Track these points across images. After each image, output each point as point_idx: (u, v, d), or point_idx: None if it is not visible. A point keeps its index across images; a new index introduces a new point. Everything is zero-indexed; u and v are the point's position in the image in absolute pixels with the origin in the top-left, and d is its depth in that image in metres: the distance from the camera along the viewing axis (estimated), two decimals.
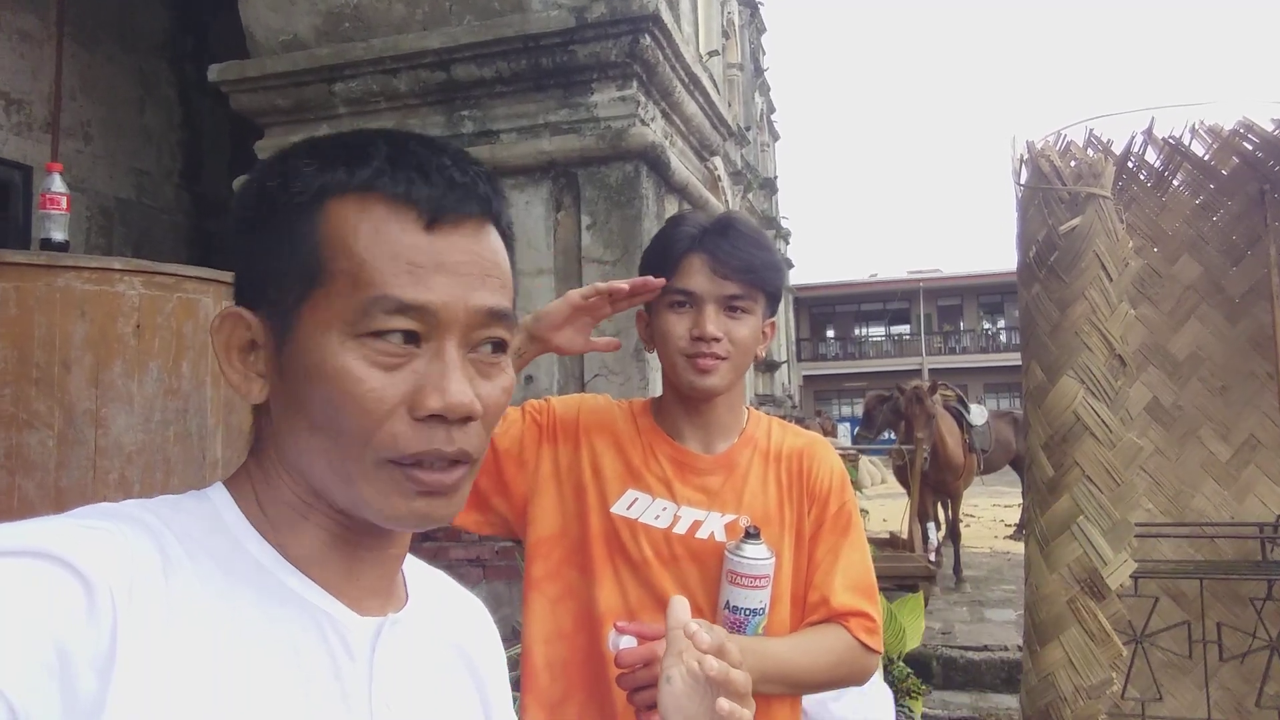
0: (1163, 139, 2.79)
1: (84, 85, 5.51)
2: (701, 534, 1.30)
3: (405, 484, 0.57)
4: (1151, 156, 2.84)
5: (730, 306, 1.29)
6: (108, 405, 2.00)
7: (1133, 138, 2.79)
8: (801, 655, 1.25)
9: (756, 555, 1.21)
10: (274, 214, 0.59)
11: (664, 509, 1.30)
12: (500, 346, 0.62)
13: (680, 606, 0.79)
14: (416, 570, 0.72)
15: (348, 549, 0.62)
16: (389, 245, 0.57)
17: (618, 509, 1.31)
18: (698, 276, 1.28)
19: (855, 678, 1.32)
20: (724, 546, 1.28)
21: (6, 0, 5.02)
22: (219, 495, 0.61)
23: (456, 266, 0.59)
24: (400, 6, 3.93)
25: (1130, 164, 2.86)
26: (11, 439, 1.91)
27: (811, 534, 1.35)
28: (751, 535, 1.22)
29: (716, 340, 1.27)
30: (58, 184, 2.18)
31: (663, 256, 1.32)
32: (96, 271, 2.04)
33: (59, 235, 2.15)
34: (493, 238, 0.63)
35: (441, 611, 0.72)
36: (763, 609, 1.23)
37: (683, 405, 1.35)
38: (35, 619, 0.46)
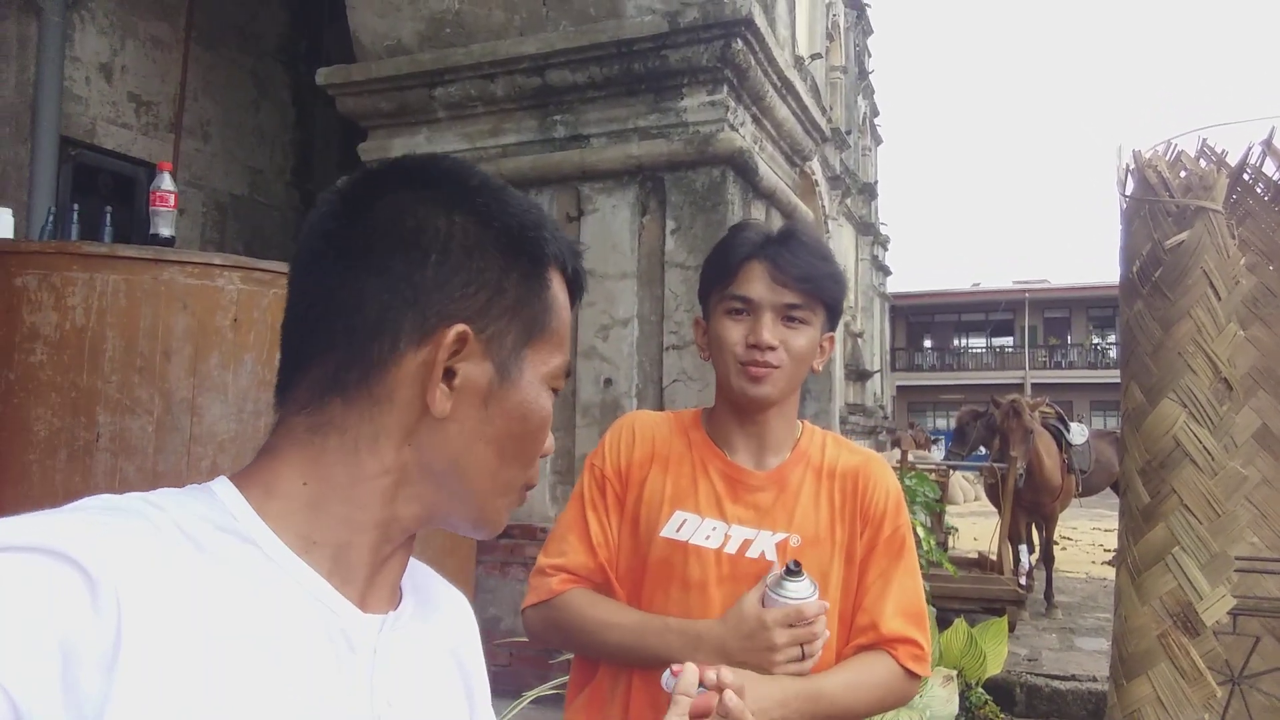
0: None
1: (205, 87, 5.82)
2: (752, 553, 1.27)
3: (518, 501, 0.70)
4: (1270, 168, 2.67)
5: (788, 316, 1.27)
6: (204, 394, 2.11)
7: (1249, 148, 2.63)
8: (852, 692, 1.23)
9: (799, 594, 1.16)
10: (527, 260, 0.66)
11: (714, 529, 1.29)
12: None
13: (690, 674, 0.84)
14: (412, 570, 0.74)
15: (385, 549, 0.64)
16: (566, 320, 0.70)
17: (666, 532, 1.29)
18: (757, 284, 1.27)
19: (897, 704, 1.29)
20: (773, 568, 1.26)
21: (142, 9, 5.34)
22: (224, 489, 0.61)
23: None
24: (499, 13, 4.01)
25: (1246, 176, 2.69)
26: (116, 423, 2.03)
27: (863, 555, 1.31)
28: (793, 571, 1.17)
29: (772, 349, 1.25)
30: (167, 182, 2.31)
31: (723, 263, 1.31)
32: (198, 266, 2.15)
33: (166, 231, 2.28)
34: None
35: (433, 608, 0.73)
36: None
37: (735, 416, 1.33)
38: (39, 615, 0.46)
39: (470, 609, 0.80)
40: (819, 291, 1.28)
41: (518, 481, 0.68)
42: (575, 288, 0.71)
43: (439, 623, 0.73)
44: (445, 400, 0.62)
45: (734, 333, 1.28)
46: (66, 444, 2.03)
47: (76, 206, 3.06)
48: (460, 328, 0.61)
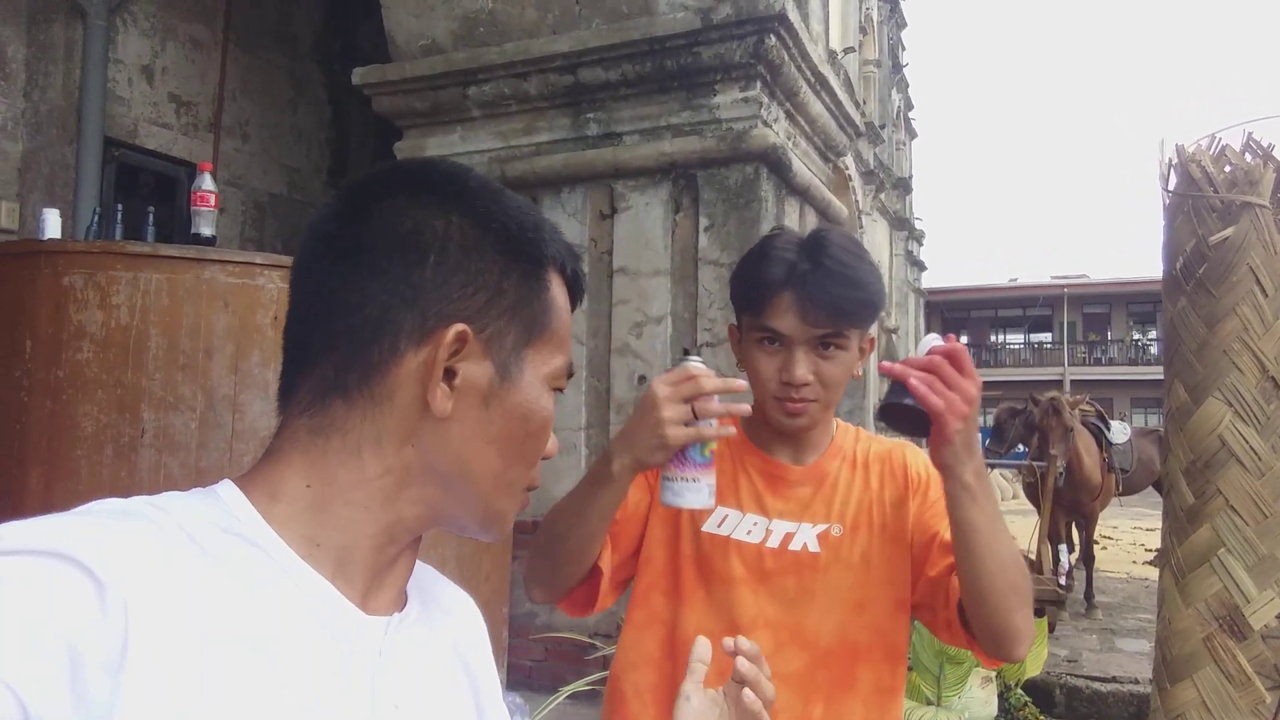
0: None
1: (244, 87, 5.91)
2: (794, 545, 1.28)
3: (522, 503, 0.71)
4: None
5: (822, 343, 1.24)
6: (245, 392, 2.14)
7: None
8: (1002, 524, 1.15)
9: (699, 369, 1.11)
10: (525, 261, 0.66)
11: (755, 524, 1.29)
12: None
13: (702, 647, 0.86)
14: (417, 572, 0.74)
15: (390, 551, 0.65)
16: (568, 322, 0.71)
17: (709, 527, 1.29)
18: (787, 317, 1.23)
19: (1024, 585, 1.16)
20: (817, 559, 1.26)
21: (182, 11, 5.44)
22: (229, 492, 0.61)
23: None
24: (532, 11, 4.03)
25: None
26: (160, 420, 2.07)
27: (917, 515, 1.30)
28: (688, 353, 1.16)
29: (806, 384, 1.24)
30: (208, 182, 2.35)
31: (752, 289, 1.28)
32: (239, 265, 2.18)
33: (207, 231, 2.32)
34: None
35: (438, 609, 0.74)
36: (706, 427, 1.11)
37: (772, 428, 1.33)
38: (47, 618, 0.47)
39: (478, 611, 0.81)
40: (853, 322, 1.25)
41: (520, 483, 0.69)
42: (575, 290, 0.72)
43: (445, 625, 0.73)
44: (446, 400, 0.62)
45: (767, 366, 1.26)
46: (113, 440, 2.07)
47: (120, 206, 3.12)
48: (459, 327, 0.61)
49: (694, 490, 1.12)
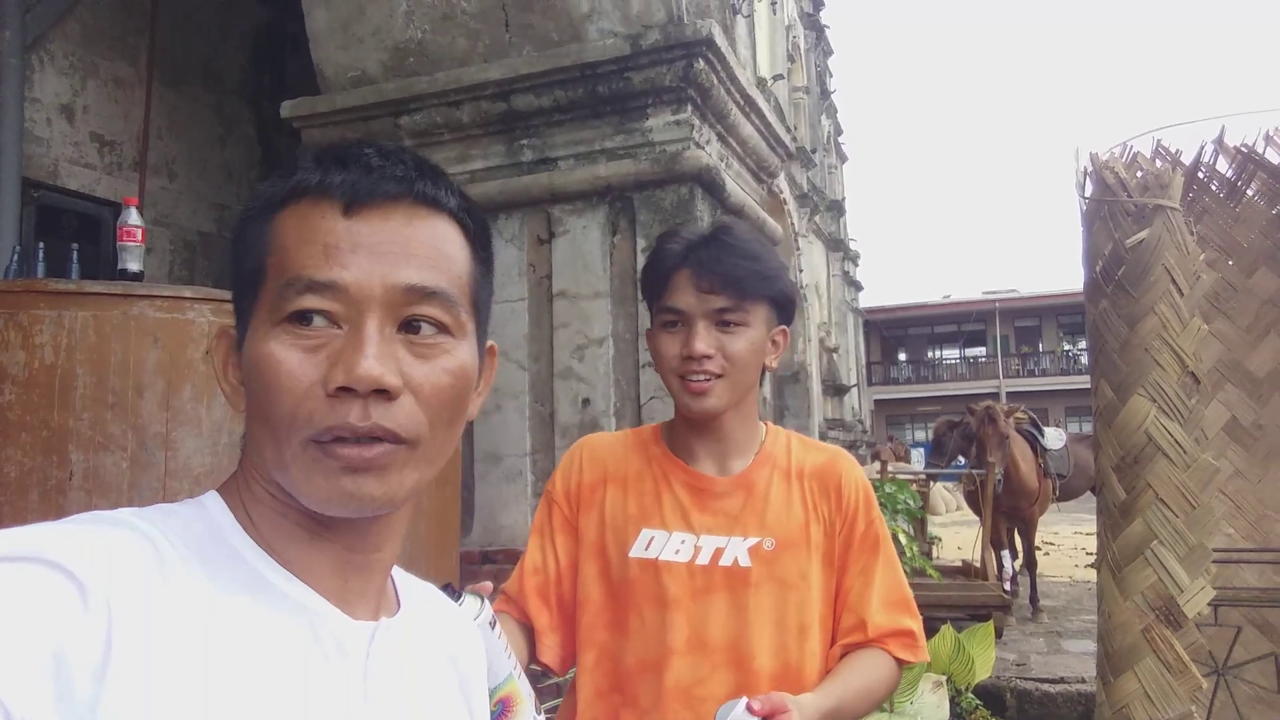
0: (1235, 148, 2.69)
1: (170, 125, 5.79)
2: (724, 561, 1.24)
3: (326, 461, 0.58)
4: (1223, 166, 2.73)
5: (721, 321, 1.22)
6: (178, 429, 2.08)
7: (1202, 147, 2.70)
8: (865, 700, 1.21)
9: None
10: (239, 234, 0.65)
11: (683, 542, 1.25)
12: (443, 329, 0.62)
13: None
14: (408, 582, 0.74)
15: (332, 551, 0.63)
16: (308, 233, 0.60)
17: (635, 552, 1.26)
18: (684, 293, 1.23)
19: (890, 695, 1.30)
20: (749, 574, 1.24)
21: (103, 49, 5.32)
22: (213, 502, 0.62)
23: (376, 246, 0.60)
24: (462, 40, 4.04)
25: (1201, 174, 2.76)
26: (89, 461, 2.00)
27: (840, 554, 1.29)
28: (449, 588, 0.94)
29: (707, 358, 1.21)
30: (134, 217, 2.30)
31: (654, 275, 1.28)
32: (168, 300, 2.13)
33: (134, 266, 2.26)
34: (432, 225, 0.63)
35: (432, 620, 0.74)
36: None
37: (691, 426, 1.29)
38: (31, 624, 0.47)
39: (473, 624, 0.82)
40: (749, 292, 1.23)
41: (287, 439, 0.58)
42: (338, 185, 0.60)
43: (437, 631, 0.73)
44: (233, 393, 0.64)
45: (670, 346, 1.24)
46: (38, 484, 2.00)
47: (43, 245, 3.03)
48: (218, 323, 0.63)
49: None
